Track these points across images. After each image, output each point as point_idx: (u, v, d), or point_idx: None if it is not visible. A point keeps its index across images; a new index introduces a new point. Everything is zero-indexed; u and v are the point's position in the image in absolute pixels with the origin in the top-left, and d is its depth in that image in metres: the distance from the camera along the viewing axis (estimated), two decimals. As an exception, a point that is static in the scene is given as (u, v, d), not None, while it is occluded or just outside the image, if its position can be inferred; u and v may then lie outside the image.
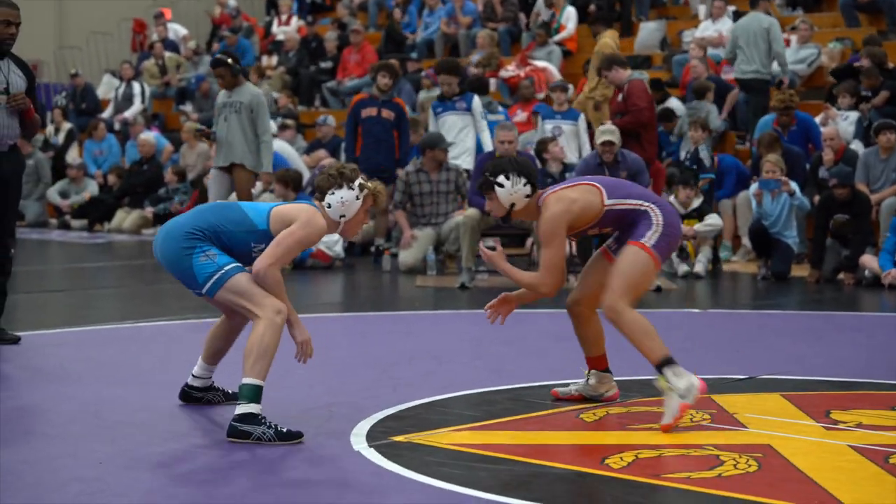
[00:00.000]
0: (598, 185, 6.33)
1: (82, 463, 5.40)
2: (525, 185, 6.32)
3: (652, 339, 6.16)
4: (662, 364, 6.11)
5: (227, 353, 6.52)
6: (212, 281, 5.92)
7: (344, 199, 6.05)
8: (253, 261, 6.01)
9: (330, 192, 6.06)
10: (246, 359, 5.78)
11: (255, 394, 5.74)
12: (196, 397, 6.52)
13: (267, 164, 12.17)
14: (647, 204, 6.29)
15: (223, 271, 5.92)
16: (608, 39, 15.22)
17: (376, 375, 7.44)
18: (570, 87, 16.12)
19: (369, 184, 6.13)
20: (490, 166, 6.40)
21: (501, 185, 6.32)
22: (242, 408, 5.72)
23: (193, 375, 6.52)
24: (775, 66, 15.75)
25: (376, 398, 6.67)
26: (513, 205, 6.35)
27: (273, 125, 16.48)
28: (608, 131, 11.96)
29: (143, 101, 22.30)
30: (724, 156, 15.28)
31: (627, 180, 11.90)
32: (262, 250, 5.99)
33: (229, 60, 12.18)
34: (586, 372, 6.68)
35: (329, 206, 6.06)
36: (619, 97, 12.90)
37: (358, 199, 6.07)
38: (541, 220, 6.28)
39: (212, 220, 6.00)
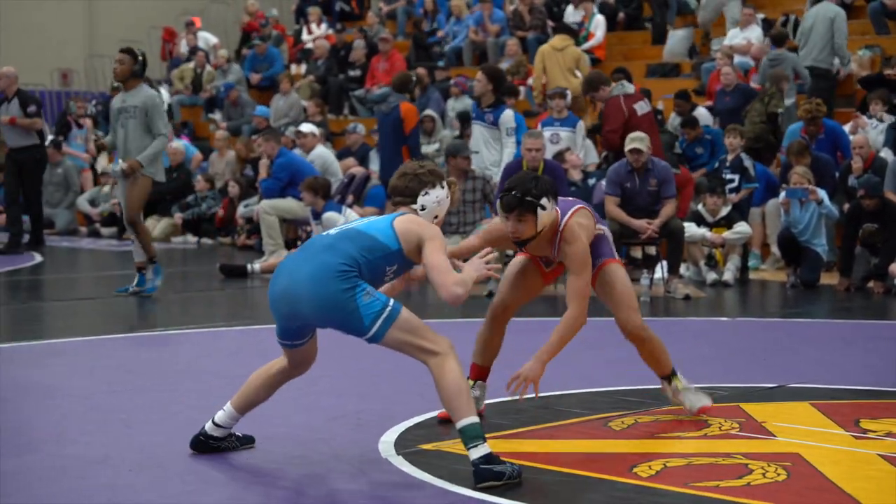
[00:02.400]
0: (586, 207, 6.31)
1: (112, 469, 5.42)
2: (553, 208, 6.02)
3: (667, 354, 6.50)
4: (673, 371, 6.43)
5: (259, 405, 5.92)
6: (381, 321, 5.35)
7: (439, 199, 5.70)
8: (384, 283, 5.63)
9: (423, 192, 5.67)
10: (455, 399, 5.23)
11: (479, 432, 5.22)
12: (212, 447, 5.75)
13: (149, 158, 11.73)
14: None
15: (390, 308, 5.39)
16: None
17: (405, 383, 7.45)
18: (569, 93, 16.04)
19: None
20: (532, 186, 5.90)
21: (544, 208, 5.91)
22: (478, 450, 5.17)
23: (215, 423, 5.76)
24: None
25: (405, 405, 6.69)
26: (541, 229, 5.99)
27: (314, 128, 16.56)
28: (637, 139, 11.94)
29: (169, 110, 22.39)
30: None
31: (655, 189, 12.06)
32: (395, 272, 5.56)
33: (139, 54, 11.92)
34: (479, 384, 6.58)
35: (423, 209, 5.67)
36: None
37: (448, 197, 5.76)
38: (574, 249, 6.02)
39: (353, 252, 5.39)
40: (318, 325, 5.49)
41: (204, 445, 5.73)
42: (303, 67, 22.93)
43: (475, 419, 5.20)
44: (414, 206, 5.66)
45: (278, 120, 19.93)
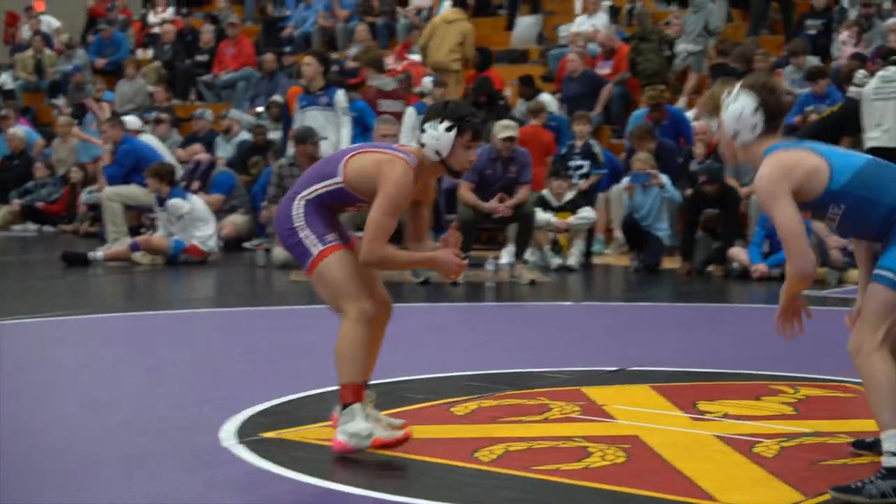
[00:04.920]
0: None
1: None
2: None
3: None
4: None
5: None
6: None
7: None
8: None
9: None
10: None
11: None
12: None
13: None
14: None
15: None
16: None
17: (250, 371, 7.41)
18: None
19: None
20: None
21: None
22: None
23: None
24: None
25: (249, 394, 6.64)
26: None
27: (137, 120, 16.30)
28: (511, 126, 12.06)
29: (12, 95, 21.93)
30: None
31: (514, 176, 12.13)
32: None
33: None
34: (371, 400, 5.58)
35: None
36: None
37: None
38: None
39: None
40: None
41: None
42: (149, 52, 22.62)
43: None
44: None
45: (123, 105, 19.61)
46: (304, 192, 5.47)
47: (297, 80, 15.40)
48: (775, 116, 5.02)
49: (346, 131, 13.52)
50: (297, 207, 5.45)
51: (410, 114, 13.95)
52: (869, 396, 4.82)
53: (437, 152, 5.42)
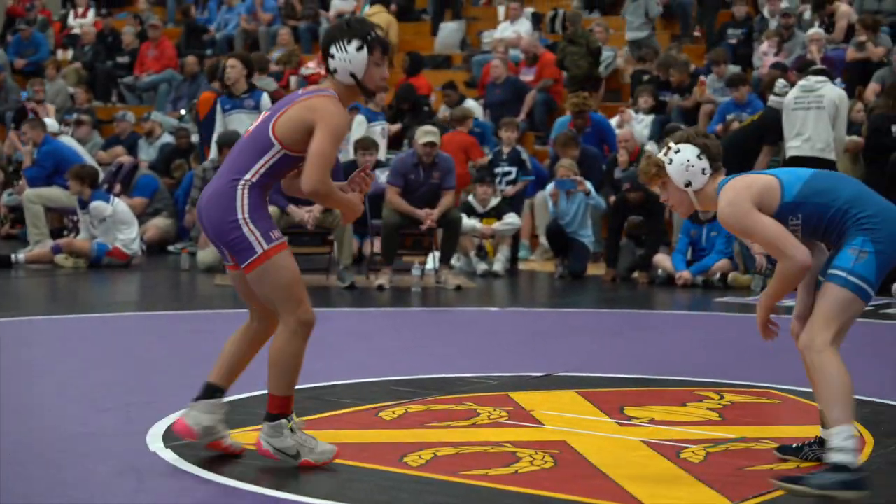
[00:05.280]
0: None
1: None
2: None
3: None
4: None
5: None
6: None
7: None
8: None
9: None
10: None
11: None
12: None
13: None
14: None
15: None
16: None
17: (176, 375, 7.36)
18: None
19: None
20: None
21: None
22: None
23: None
24: None
25: (175, 398, 6.57)
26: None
27: (55, 123, 16.13)
28: (432, 132, 12.06)
29: None
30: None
31: (438, 182, 12.14)
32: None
33: None
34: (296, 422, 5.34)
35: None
36: None
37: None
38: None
39: None
40: None
41: None
42: (69, 53, 22.40)
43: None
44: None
45: (43, 106, 19.40)
46: (248, 176, 5.21)
47: (211, 86, 15.27)
48: (716, 157, 5.23)
49: None
50: (242, 196, 5.20)
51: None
52: (818, 392, 4.90)
53: (353, 74, 5.23)
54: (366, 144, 13.00)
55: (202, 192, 5.34)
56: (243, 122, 13.46)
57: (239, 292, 5.48)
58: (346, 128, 5.31)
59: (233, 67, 13.47)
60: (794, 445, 5.47)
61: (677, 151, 5.20)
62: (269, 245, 5.18)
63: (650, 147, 14.17)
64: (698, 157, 5.18)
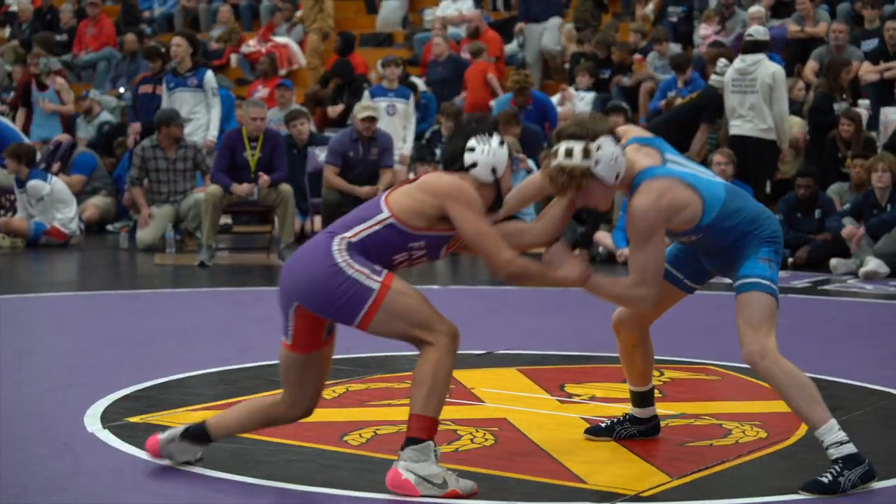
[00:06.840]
0: None
1: None
2: None
3: None
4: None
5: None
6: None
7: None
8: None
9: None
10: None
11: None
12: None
13: None
14: None
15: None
16: None
17: (115, 355, 7.32)
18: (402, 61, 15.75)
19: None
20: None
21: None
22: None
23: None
24: None
25: (115, 378, 6.56)
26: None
27: None
28: (371, 108, 12.05)
29: None
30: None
31: (376, 158, 12.16)
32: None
33: None
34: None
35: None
36: None
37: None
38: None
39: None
40: None
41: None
42: (7, 31, 22.16)
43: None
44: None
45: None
46: (347, 234, 4.76)
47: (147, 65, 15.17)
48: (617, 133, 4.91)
49: (215, 112, 13.57)
50: (339, 245, 4.74)
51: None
52: (790, 398, 4.84)
53: (494, 170, 4.86)
54: (295, 114, 13.20)
55: (284, 264, 4.94)
56: (187, 101, 13.50)
57: (285, 375, 5.09)
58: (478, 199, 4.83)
59: (178, 46, 13.47)
60: (604, 425, 5.51)
61: (599, 148, 4.79)
62: (381, 278, 4.71)
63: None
64: (614, 143, 4.84)
